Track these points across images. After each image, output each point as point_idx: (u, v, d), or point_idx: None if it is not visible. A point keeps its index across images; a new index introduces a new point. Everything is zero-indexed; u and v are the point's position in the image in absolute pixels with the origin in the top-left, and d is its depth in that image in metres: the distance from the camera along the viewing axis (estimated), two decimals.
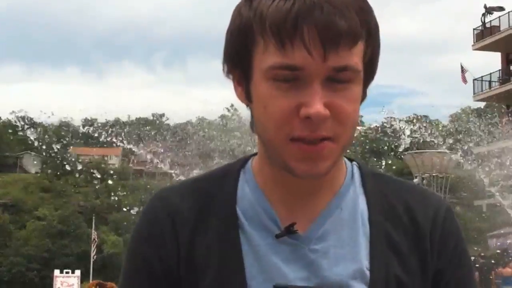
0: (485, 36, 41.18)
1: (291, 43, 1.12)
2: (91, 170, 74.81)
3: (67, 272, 25.69)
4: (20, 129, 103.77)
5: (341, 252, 1.23)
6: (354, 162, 1.33)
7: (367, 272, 1.23)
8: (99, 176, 75.03)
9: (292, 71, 1.13)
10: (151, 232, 1.27)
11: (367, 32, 1.17)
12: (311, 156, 1.15)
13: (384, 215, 1.28)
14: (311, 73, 1.13)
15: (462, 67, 42.75)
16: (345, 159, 1.30)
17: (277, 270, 1.21)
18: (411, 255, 1.26)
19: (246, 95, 1.22)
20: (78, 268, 32.84)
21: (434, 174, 27.53)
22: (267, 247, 1.22)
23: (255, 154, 1.32)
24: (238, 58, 1.20)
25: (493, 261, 27.31)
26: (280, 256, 1.22)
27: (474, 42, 42.32)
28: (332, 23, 1.11)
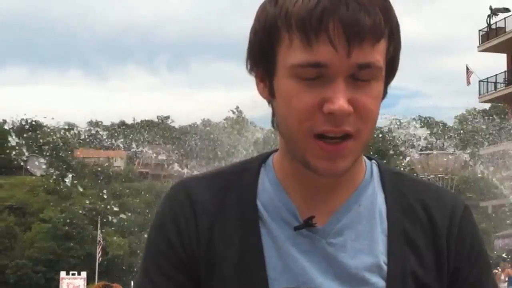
0: (490, 37, 41.14)
1: (317, 38, 1.14)
2: (97, 173, 74.99)
3: (73, 274, 25.73)
4: (26, 131, 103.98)
5: (358, 246, 1.25)
6: (373, 161, 1.35)
7: (384, 267, 1.24)
8: (104, 179, 75.17)
9: (316, 68, 1.15)
10: (174, 219, 1.29)
11: (390, 30, 1.18)
12: (332, 155, 1.17)
13: (402, 212, 1.29)
14: (336, 70, 1.14)
15: (467, 69, 42.72)
16: (365, 157, 1.32)
17: (295, 261, 1.23)
18: (428, 252, 1.27)
19: (269, 91, 1.23)
20: (83, 270, 32.92)
21: (440, 175, 27.52)
22: (286, 239, 1.25)
23: (276, 150, 1.34)
24: (262, 55, 1.22)
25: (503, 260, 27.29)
26: (299, 248, 1.24)
27: (479, 44, 42.28)
28: (357, 19, 1.13)
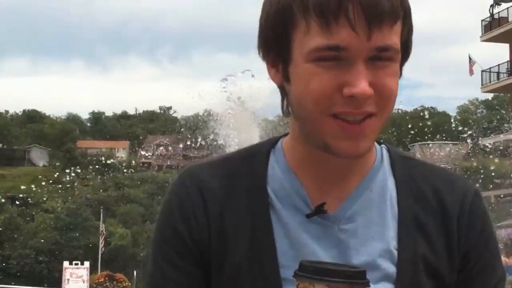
0: (493, 27, 41.00)
1: (336, 21, 1.12)
2: (99, 163, 74.92)
3: (76, 264, 25.77)
4: (28, 122, 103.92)
5: (369, 232, 1.25)
6: (383, 145, 1.35)
7: (395, 252, 1.24)
8: (106, 169, 75.20)
9: (336, 52, 1.14)
10: (182, 206, 1.28)
11: (404, 13, 1.18)
12: (354, 135, 1.16)
13: (412, 197, 1.29)
14: (356, 53, 1.13)
15: (470, 59, 42.61)
16: (375, 142, 1.31)
17: (307, 248, 1.23)
18: (439, 237, 1.28)
19: (283, 76, 1.22)
20: (86, 260, 32.96)
21: (442, 166, 27.50)
22: (297, 226, 1.24)
23: (286, 134, 1.33)
24: (275, 41, 1.20)
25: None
26: (310, 235, 1.24)
27: (482, 34, 42.15)
28: (376, 2, 1.13)
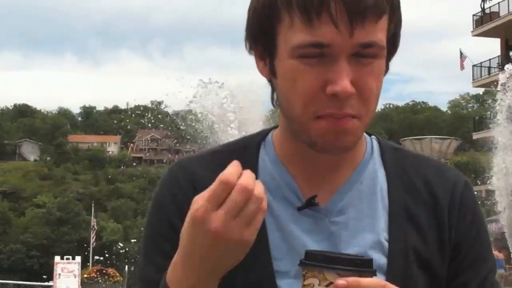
0: (484, 22, 41.08)
1: (318, 18, 1.12)
2: (90, 158, 74.76)
3: (67, 259, 25.71)
4: (19, 117, 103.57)
5: (360, 224, 1.25)
6: (373, 136, 1.34)
7: (385, 243, 1.24)
8: (98, 164, 74.99)
9: (319, 49, 1.14)
10: (174, 199, 1.27)
11: (391, 7, 1.17)
12: (337, 130, 1.16)
13: (403, 188, 1.29)
14: (338, 49, 1.13)
15: (461, 53, 42.70)
16: (365, 133, 1.31)
17: (298, 240, 1.23)
18: (430, 228, 1.27)
19: (270, 70, 1.23)
20: (77, 255, 32.92)
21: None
22: (289, 219, 1.24)
23: (276, 127, 1.33)
24: (262, 35, 1.21)
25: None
26: (302, 227, 1.24)
27: (473, 28, 42.24)
28: None
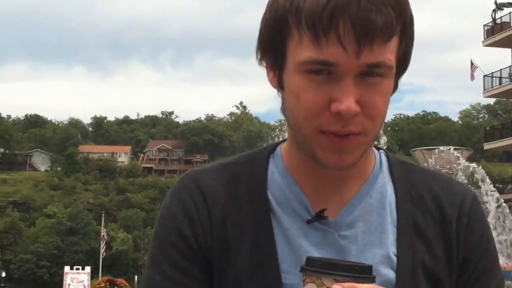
0: (495, 32, 41.00)
1: (326, 38, 1.12)
2: (101, 168, 74.94)
3: (77, 269, 25.74)
4: (30, 127, 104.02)
5: (369, 238, 1.25)
6: (381, 151, 1.34)
7: (394, 258, 1.24)
8: (108, 174, 75.18)
9: (325, 66, 1.14)
10: (185, 209, 1.27)
11: (402, 27, 1.17)
12: (339, 148, 1.17)
13: (411, 202, 1.29)
14: (344, 69, 1.13)
15: (472, 63, 42.60)
16: (373, 147, 1.31)
17: (307, 254, 1.21)
18: (438, 242, 1.27)
19: (278, 82, 1.23)
20: (87, 265, 32.93)
21: (444, 171, 27.47)
22: (298, 232, 1.24)
23: (284, 140, 1.33)
24: (272, 47, 1.21)
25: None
26: (311, 241, 1.24)
27: (484, 39, 42.16)
28: (367, 19, 1.11)
